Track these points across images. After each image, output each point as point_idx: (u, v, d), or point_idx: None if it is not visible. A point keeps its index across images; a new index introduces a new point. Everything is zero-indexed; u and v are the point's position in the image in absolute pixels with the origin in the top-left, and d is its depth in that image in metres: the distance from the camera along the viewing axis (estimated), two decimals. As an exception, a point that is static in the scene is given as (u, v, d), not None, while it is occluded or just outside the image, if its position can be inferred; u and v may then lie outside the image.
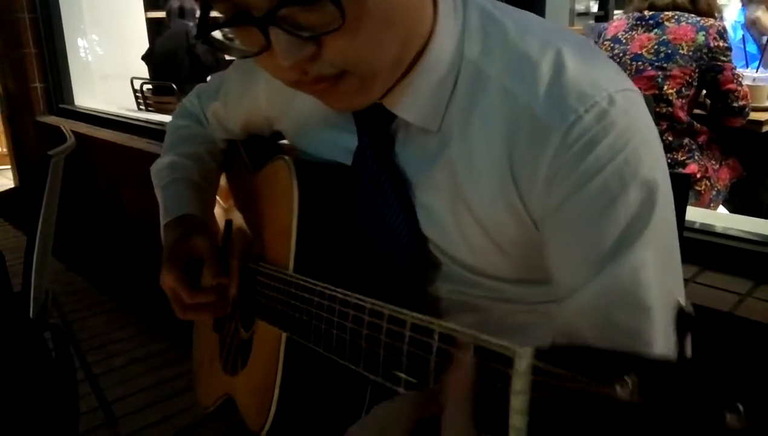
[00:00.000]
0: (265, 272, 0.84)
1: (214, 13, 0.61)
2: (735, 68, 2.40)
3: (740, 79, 2.41)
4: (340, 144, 0.79)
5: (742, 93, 2.39)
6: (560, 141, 0.60)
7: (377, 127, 0.73)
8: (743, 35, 3.11)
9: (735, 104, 2.39)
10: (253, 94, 0.91)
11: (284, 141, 0.99)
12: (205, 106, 1.05)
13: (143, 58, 4.38)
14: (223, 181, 1.10)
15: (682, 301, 0.65)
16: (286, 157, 0.83)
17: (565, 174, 0.61)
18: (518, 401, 0.41)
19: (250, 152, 1.02)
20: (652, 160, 0.62)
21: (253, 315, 0.89)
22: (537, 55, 0.63)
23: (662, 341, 0.61)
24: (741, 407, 0.31)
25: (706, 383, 0.33)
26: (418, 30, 0.65)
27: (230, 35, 0.62)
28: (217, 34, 0.62)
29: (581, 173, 0.60)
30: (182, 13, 4.64)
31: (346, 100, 0.66)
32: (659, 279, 0.61)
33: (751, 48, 3.10)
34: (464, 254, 0.72)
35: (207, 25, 0.60)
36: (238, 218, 1.03)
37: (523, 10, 0.71)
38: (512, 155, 0.64)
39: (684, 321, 0.39)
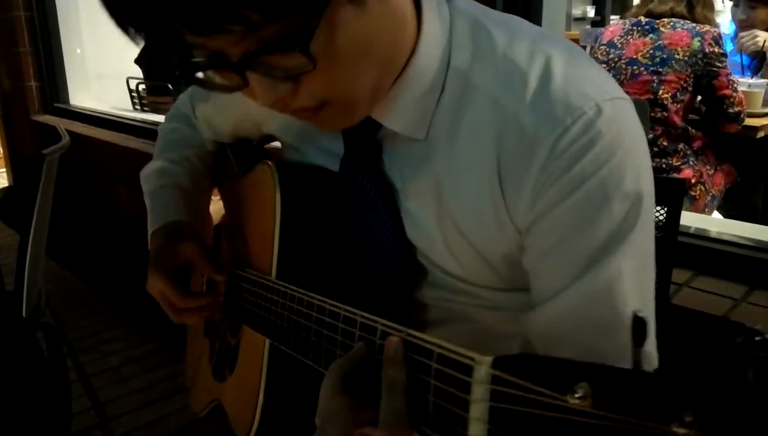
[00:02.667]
0: (249, 278, 0.83)
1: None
2: (730, 74, 2.41)
3: (735, 85, 2.42)
4: (328, 150, 0.79)
5: (737, 99, 2.40)
6: (548, 153, 0.60)
7: (364, 136, 0.73)
8: (735, 46, 3.13)
9: (730, 110, 2.40)
10: (241, 96, 0.91)
11: (273, 144, 0.98)
12: (196, 108, 1.05)
13: (136, 61, 4.35)
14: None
15: (652, 307, 0.65)
16: (270, 162, 0.83)
17: (550, 184, 0.61)
18: (477, 410, 0.41)
19: (238, 156, 1.02)
20: (637, 172, 0.62)
21: (240, 321, 0.89)
22: (525, 63, 0.63)
23: (628, 353, 0.61)
24: (690, 417, 0.32)
25: (658, 391, 0.33)
26: (398, 51, 0.65)
27: (211, 75, 0.63)
28: (199, 74, 0.63)
29: (566, 183, 0.60)
30: None
31: (330, 124, 0.66)
32: (634, 288, 0.62)
33: (745, 58, 3.12)
34: (450, 263, 0.72)
35: (189, 66, 0.61)
36: (226, 222, 1.03)
37: (513, 16, 0.71)
38: (500, 166, 0.64)
39: (640, 327, 0.39)
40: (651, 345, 0.63)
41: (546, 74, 0.62)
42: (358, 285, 0.76)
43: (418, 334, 0.51)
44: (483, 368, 0.41)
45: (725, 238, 1.28)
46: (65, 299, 3.05)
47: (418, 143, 0.70)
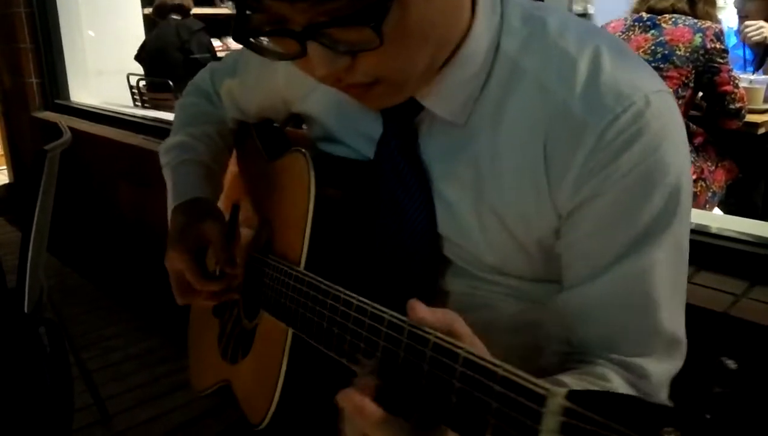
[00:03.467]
0: (274, 265, 0.83)
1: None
2: (731, 70, 2.41)
3: (737, 81, 2.41)
4: (364, 132, 0.79)
5: (738, 95, 2.39)
6: (596, 140, 0.61)
7: (403, 117, 0.73)
8: (737, 41, 3.12)
9: (731, 106, 2.40)
10: (272, 74, 0.91)
11: (295, 129, 0.98)
12: (218, 83, 1.04)
13: (136, 58, 4.35)
14: (230, 164, 1.09)
15: (684, 296, 0.67)
16: (305, 152, 0.82)
17: (597, 172, 0.62)
18: None
19: (264, 139, 1.01)
20: (680, 164, 0.63)
21: (258, 306, 0.89)
22: (575, 52, 0.64)
23: (662, 336, 0.64)
24: None
25: None
26: (453, 35, 0.65)
27: (264, 40, 0.63)
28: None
29: (613, 172, 0.62)
30: (165, 9, 4.57)
31: (377, 102, 0.67)
32: (670, 278, 0.64)
33: (748, 52, 3.11)
34: (482, 250, 0.72)
35: (245, 28, 0.60)
36: (246, 204, 1.02)
37: (560, 9, 0.72)
38: (546, 150, 0.65)
39: (723, 378, 0.38)
40: (682, 333, 0.66)
41: (596, 63, 0.63)
42: (386, 273, 0.77)
43: (478, 354, 0.48)
44: (557, 399, 0.41)
45: (726, 234, 1.28)
46: (66, 295, 3.05)
47: (456, 129, 0.70)
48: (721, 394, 0.36)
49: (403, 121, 0.74)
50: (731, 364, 0.37)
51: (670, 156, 0.62)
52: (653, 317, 0.64)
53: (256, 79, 0.95)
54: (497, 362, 0.47)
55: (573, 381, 0.59)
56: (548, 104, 0.64)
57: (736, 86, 2.40)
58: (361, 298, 0.62)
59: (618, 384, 0.63)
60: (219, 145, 1.03)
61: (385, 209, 0.76)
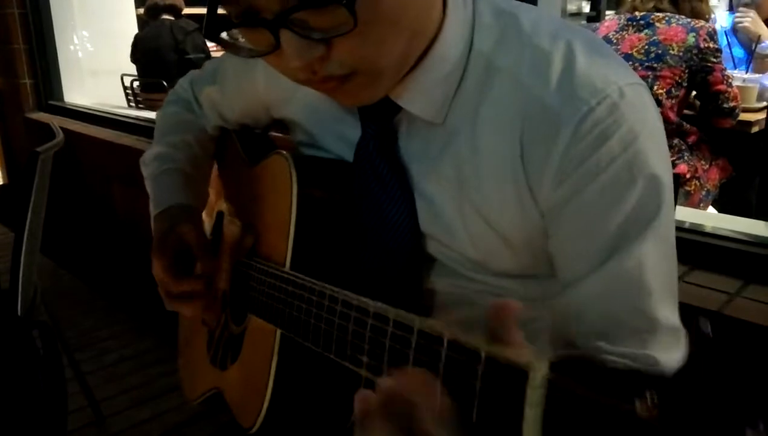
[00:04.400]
0: (259, 268, 0.83)
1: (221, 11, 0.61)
2: (725, 69, 2.41)
3: (730, 80, 2.42)
4: (343, 135, 0.79)
5: (732, 94, 2.40)
6: (572, 133, 0.61)
7: (381, 118, 0.73)
8: (728, 41, 3.13)
9: (725, 105, 2.41)
10: (251, 80, 0.91)
11: (279, 133, 0.98)
12: (198, 91, 1.04)
13: (132, 59, 4.34)
14: (213, 171, 1.10)
15: (675, 281, 0.68)
16: (285, 153, 0.82)
17: (576, 166, 0.62)
18: (532, 414, 0.41)
19: (244, 143, 1.01)
20: (659, 153, 0.64)
21: (245, 310, 0.89)
22: (548, 47, 0.64)
23: (663, 325, 0.65)
24: (762, 425, 0.31)
25: (727, 401, 0.33)
26: (426, 27, 0.65)
27: (237, 34, 0.63)
28: (224, 35, 0.62)
29: (593, 165, 0.62)
30: (157, 9, 4.55)
31: (353, 96, 0.67)
32: (662, 269, 0.64)
33: (737, 52, 3.13)
34: (466, 248, 0.72)
35: (215, 23, 0.60)
36: (229, 211, 1.02)
37: (530, 5, 0.72)
38: (523, 146, 0.65)
39: (702, 340, 0.38)
40: (680, 324, 0.66)
41: (570, 58, 0.63)
42: (371, 273, 0.76)
43: (460, 334, 0.49)
44: (539, 372, 0.41)
45: (720, 233, 1.28)
46: (60, 296, 3.04)
47: (435, 128, 0.70)
48: (695, 354, 0.37)
49: (381, 123, 0.74)
50: (706, 326, 0.37)
51: (649, 146, 0.62)
52: (652, 308, 0.64)
53: (236, 85, 0.95)
54: (478, 342, 0.47)
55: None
56: (523, 99, 0.64)
57: (730, 85, 2.40)
58: (358, 296, 0.62)
59: None
60: (199, 153, 1.04)
61: (366, 210, 0.76)
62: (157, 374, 2.39)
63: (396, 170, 0.73)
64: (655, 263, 0.63)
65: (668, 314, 0.66)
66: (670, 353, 0.65)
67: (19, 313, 1.67)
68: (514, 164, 0.66)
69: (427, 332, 0.51)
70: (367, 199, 0.76)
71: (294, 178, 0.78)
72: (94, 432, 2.08)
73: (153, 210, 0.97)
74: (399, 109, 0.71)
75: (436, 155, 0.71)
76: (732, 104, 2.41)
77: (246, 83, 0.93)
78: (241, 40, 0.62)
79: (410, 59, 0.66)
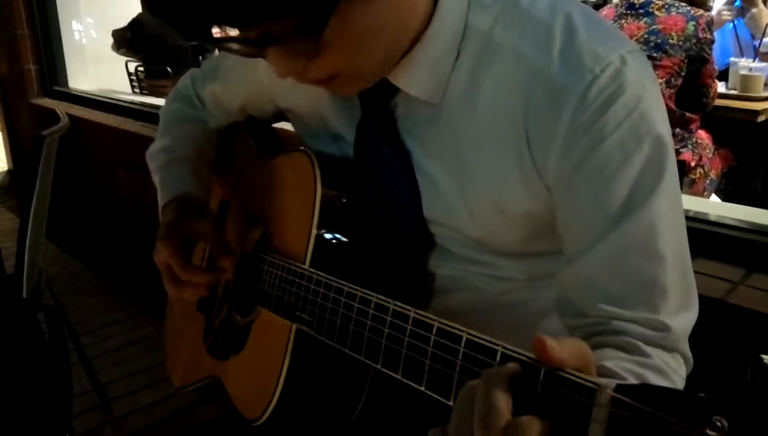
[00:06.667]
0: (274, 263, 0.84)
1: None
2: (713, 63, 2.42)
3: (715, 75, 2.43)
4: (348, 116, 0.80)
5: (713, 91, 2.41)
6: (578, 101, 0.62)
7: (380, 100, 0.74)
8: (735, 25, 3.11)
9: (704, 99, 2.42)
10: (254, 72, 0.92)
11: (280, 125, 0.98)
12: (200, 88, 1.05)
13: (133, 46, 4.31)
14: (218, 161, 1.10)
15: (686, 242, 0.68)
16: (308, 151, 0.83)
17: (582, 133, 0.63)
18: (596, 430, 0.42)
19: (256, 137, 1.02)
20: (661, 116, 0.65)
21: (253, 303, 0.89)
22: (548, 20, 0.65)
23: (675, 288, 0.65)
24: None
25: None
26: (411, 24, 0.67)
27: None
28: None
29: (599, 131, 0.62)
30: None
31: (342, 90, 0.71)
32: (672, 229, 0.65)
33: (743, 40, 3.11)
34: (467, 226, 0.73)
35: (211, 41, 0.63)
36: (236, 202, 1.02)
37: None
38: (527, 120, 0.65)
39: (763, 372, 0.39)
40: (692, 281, 0.67)
41: (570, 28, 0.64)
42: (379, 257, 0.78)
43: (517, 350, 0.49)
44: (606, 392, 0.42)
45: (724, 221, 1.28)
46: (67, 281, 3.05)
47: (432, 108, 0.71)
48: (762, 386, 0.37)
49: (380, 104, 0.75)
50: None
51: (652, 109, 0.64)
52: (663, 272, 0.64)
53: (240, 80, 0.96)
54: (531, 355, 0.47)
55: (618, 366, 0.58)
56: (527, 73, 0.65)
57: (714, 81, 2.41)
58: (398, 302, 0.62)
59: (656, 359, 0.62)
60: (204, 143, 1.05)
61: (372, 195, 0.77)
62: (162, 358, 2.38)
63: (396, 149, 0.74)
64: (666, 224, 0.64)
65: (681, 274, 0.66)
66: (680, 316, 0.65)
67: (24, 296, 1.68)
68: (517, 138, 0.66)
69: (475, 341, 0.52)
70: (372, 184, 0.77)
71: (318, 177, 0.79)
72: (99, 415, 2.10)
73: (162, 200, 0.97)
74: (397, 89, 0.72)
75: (435, 135, 0.72)
76: (710, 100, 2.43)
77: (249, 76, 0.94)
78: (232, 46, 0.65)
79: (396, 54, 0.68)
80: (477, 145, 0.69)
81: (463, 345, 0.51)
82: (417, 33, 0.67)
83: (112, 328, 2.65)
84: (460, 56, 0.69)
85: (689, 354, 0.67)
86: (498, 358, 0.50)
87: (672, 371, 0.63)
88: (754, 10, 3.08)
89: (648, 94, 0.64)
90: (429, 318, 0.57)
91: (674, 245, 0.65)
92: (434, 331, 0.55)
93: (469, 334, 0.51)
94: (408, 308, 0.58)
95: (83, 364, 2.12)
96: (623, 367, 0.58)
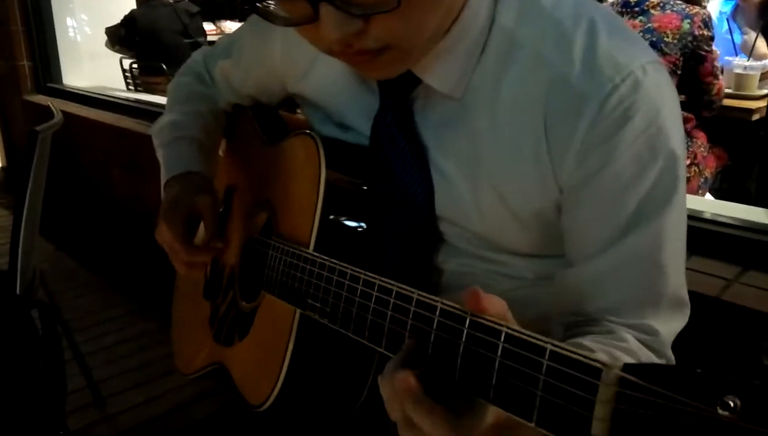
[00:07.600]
0: (279, 247, 0.83)
1: None
2: (716, 60, 2.40)
3: (718, 72, 2.41)
4: (362, 107, 0.79)
5: (717, 87, 2.39)
6: (597, 110, 0.62)
7: (400, 91, 0.74)
8: (729, 27, 3.12)
9: (706, 97, 2.40)
10: (268, 54, 0.91)
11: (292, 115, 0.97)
12: (211, 65, 1.04)
13: (127, 43, 4.29)
14: (224, 145, 1.09)
15: (684, 259, 0.69)
16: (313, 135, 0.82)
17: (600, 142, 0.63)
18: (601, 410, 0.41)
19: (262, 121, 1.01)
20: (677, 131, 0.65)
21: (258, 288, 0.88)
22: (571, 24, 0.65)
23: (670, 296, 0.66)
24: None
25: None
26: (457, 3, 0.65)
27: (273, 3, 0.62)
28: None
29: (616, 143, 0.62)
30: None
31: (383, 70, 0.66)
32: (676, 241, 0.66)
33: (738, 39, 3.11)
34: (477, 223, 0.73)
35: None
36: (242, 186, 1.02)
37: None
38: (546, 122, 0.65)
39: None
40: (685, 293, 0.69)
41: (592, 34, 0.64)
42: (388, 248, 0.77)
43: (524, 331, 0.49)
44: (613, 371, 0.41)
45: (719, 219, 1.28)
46: (61, 279, 3.04)
47: (453, 103, 0.71)
48: None
49: (400, 96, 0.74)
50: None
51: (669, 123, 0.63)
52: (661, 281, 0.65)
53: (253, 60, 0.95)
54: (543, 337, 0.47)
55: (595, 345, 0.60)
56: (547, 75, 0.65)
57: (717, 78, 2.39)
58: (402, 285, 0.61)
59: (632, 343, 0.64)
60: (211, 123, 1.03)
61: (384, 184, 0.77)
62: (157, 356, 2.39)
63: (413, 143, 0.74)
64: (671, 237, 0.65)
65: (677, 285, 0.67)
66: (669, 323, 0.67)
67: (17, 292, 1.68)
68: (536, 138, 0.66)
69: (480, 322, 0.51)
70: (384, 172, 0.76)
71: (322, 161, 0.78)
72: (93, 413, 2.09)
73: (164, 175, 0.96)
74: (418, 82, 0.71)
75: (452, 131, 0.71)
76: (714, 97, 2.40)
77: (263, 57, 0.92)
78: (278, 9, 0.61)
79: (440, 34, 0.66)
80: (494, 145, 0.68)
81: (467, 326, 0.52)
82: (450, 22, 0.66)
83: (107, 325, 2.64)
84: (485, 52, 0.68)
85: (672, 358, 0.68)
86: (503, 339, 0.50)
87: (646, 358, 0.64)
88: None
89: (666, 106, 0.63)
90: (432, 300, 0.56)
91: (676, 254, 0.66)
92: (438, 312, 0.55)
93: (472, 316, 0.51)
94: (411, 289, 0.57)
95: (77, 361, 2.11)
96: (596, 340, 0.60)
